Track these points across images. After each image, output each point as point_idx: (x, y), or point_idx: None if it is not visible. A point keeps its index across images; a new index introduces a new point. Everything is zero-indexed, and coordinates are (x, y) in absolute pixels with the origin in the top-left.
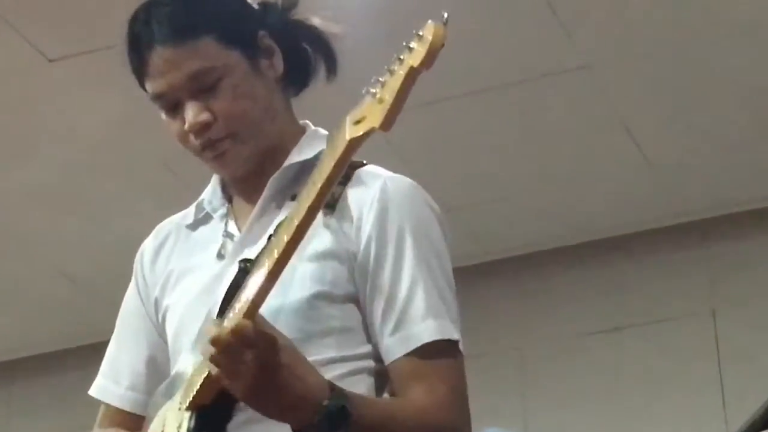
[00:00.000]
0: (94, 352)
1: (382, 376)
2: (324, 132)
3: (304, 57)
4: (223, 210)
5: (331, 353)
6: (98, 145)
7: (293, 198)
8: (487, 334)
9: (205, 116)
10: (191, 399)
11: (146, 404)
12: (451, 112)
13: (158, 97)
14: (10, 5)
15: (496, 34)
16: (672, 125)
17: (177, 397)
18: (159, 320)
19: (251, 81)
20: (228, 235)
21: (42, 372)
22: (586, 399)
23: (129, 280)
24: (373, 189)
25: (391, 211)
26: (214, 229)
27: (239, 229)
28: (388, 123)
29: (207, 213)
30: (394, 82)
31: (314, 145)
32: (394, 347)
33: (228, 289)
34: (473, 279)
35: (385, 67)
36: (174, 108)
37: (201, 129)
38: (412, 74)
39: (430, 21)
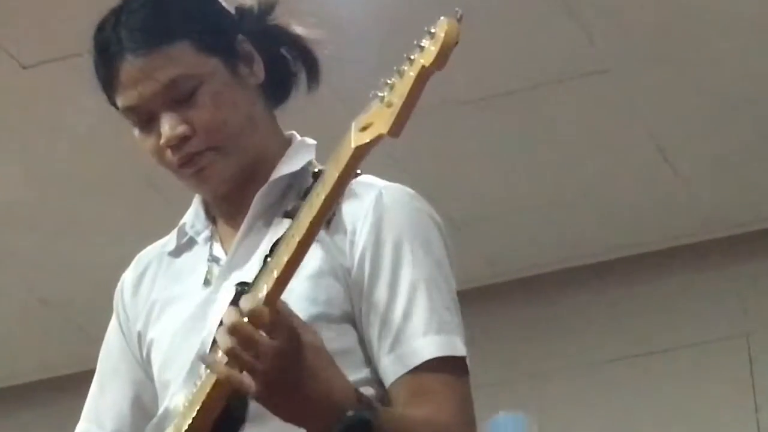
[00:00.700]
0: (72, 383)
1: (383, 403)
2: (311, 141)
3: (284, 64)
4: (207, 233)
5: None
6: (74, 159)
7: (286, 215)
8: (501, 360)
9: (182, 128)
10: None
11: None
12: (459, 120)
13: (130, 111)
14: None
15: (510, 35)
16: (701, 133)
17: None
18: (143, 356)
19: (231, 89)
20: (214, 259)
21: (12, 407)
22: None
23: (107, 305)
24: (368, 199)
25: (386, 221)
26: (198, 254)
27: (225, 252)
28: (396, 129)
29: (190, 237)
30: (404, 85)
31: (302, 155)
32: (392, 367)
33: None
34: (483, 301)
35: (394, 68)
36: (148, 122)
37: (179, 143)
38: (424, 75)
39: (442, 17)
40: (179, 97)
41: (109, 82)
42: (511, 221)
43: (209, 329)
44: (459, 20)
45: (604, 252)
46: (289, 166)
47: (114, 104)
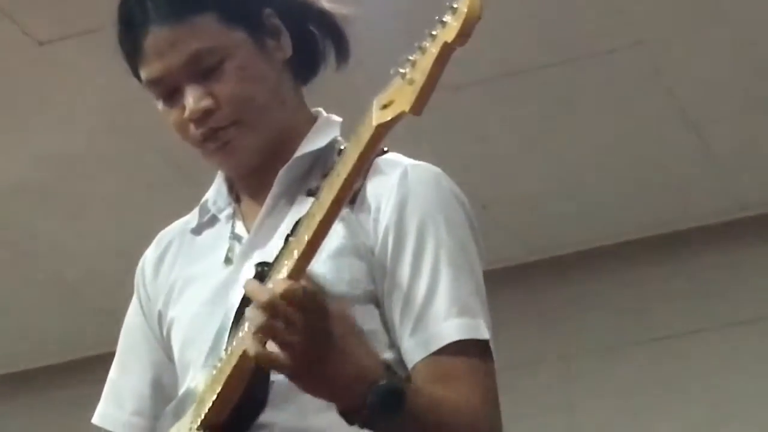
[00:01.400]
0: (91, 366)
1: None
2: (337, 119)
3: (312, 40)
4: (229, 210)
5: None
6: (92, 137)
7: (309, 193)
8: (532, 342)
9: (207, 102)
10: (203, 417)
11: (153, 430)
12: (484, 96)
13: (154, 83)
14: None
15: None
16: (737, 109)
17: (187, 416)
18: (164, 336)
19: (257, 63)
20: (235, 237)
21: (31, 390)
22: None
23: (126, 287)
24: (393, 177)
25: (411, 200)
26: (220, 232)
27: (248, 231)
28: (419, 106)
29: (212, 215)
30: (426, 61)
31: (327, 132)
32: (414, 350)
33: (243, 298)
34: (509, 281)
35: (416, 44)
36: (172, 95)
37: (203, 116)
38: (446, 51)
39: None
40: (204, 69)
41: (133, 53)
42: (538, 201)
43: (228, 309)
44: None
45: (632, 231)
46: (313, 143)
47: (138, 77)
